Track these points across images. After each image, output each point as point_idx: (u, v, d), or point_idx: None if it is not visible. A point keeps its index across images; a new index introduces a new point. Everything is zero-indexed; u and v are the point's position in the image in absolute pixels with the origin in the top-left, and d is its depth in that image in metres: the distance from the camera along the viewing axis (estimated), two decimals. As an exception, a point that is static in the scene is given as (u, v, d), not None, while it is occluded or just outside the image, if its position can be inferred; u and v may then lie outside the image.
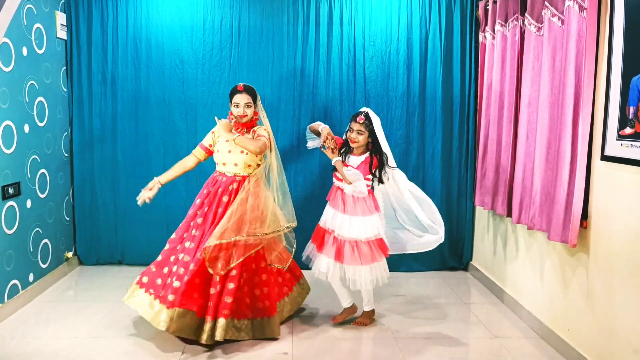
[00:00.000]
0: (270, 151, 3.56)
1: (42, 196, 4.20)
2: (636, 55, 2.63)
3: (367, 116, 3.50)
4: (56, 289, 4.29)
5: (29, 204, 3.98)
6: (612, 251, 2.84)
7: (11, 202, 3.75)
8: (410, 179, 4.77)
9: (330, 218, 3.61)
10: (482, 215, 4.74)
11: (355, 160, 3.56)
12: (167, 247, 3.60)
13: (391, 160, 3.58)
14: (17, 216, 3.83)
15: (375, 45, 4.75)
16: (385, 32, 4.73)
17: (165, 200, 4.82)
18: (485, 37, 4.42)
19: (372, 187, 3.66)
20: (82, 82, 4.70)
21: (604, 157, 2.88)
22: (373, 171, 3.55)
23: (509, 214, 3.96)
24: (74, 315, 3.78)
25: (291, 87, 4.77)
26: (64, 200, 4.63)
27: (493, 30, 4.21)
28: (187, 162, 3.72)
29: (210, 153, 3.69)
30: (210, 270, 3.28)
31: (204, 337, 3.23)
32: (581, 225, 3.06)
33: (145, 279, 3.50)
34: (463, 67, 4.78)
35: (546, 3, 3.34)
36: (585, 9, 2.94)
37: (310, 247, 3.71)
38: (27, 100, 3.97)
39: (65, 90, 4.66)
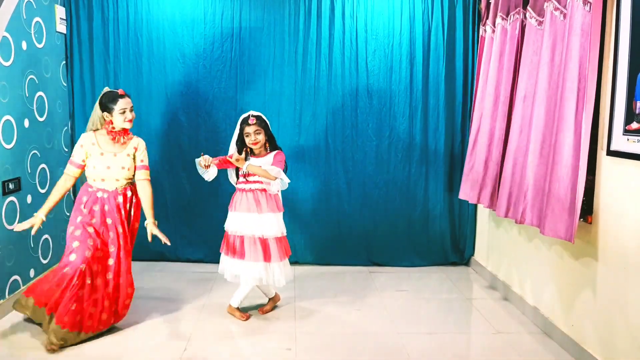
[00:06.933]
0: None
1: (43, 191, 4.18)
2: (643, 50, 2.61)
3: (257, 117, 3.59)
4: (57, 284, 4.27)
5: (29, 199, 3.96)
6: (618, 246, 2.83)
7: (12, 198, 3.73)
8: (414, 173, 4.82)
9: (243, 223, 3.60)
10: (484, 210, 4.72)
11: (264, 160, 3.60)
12: None
13: None
14: (17, 211, 3.81)
15: (378, 39, 4.71)
16: (387, 25, 4.70)
17: (168, 194, 4.80)
18: (485, 30, 4.37)
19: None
20: (83, 76, 4.67)
21: (610, 152, 2.86)
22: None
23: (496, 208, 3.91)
24: (75, 310, 3.77)
25: (292, 81, 4.74)
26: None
27: (494, 23, 4.16)
28: (67, 184, 3.46)
29: (82, 169, 3.47)
30: None
31: None
32: (586, 220, 3.05)
33: None
34: (466, 61, 4.75)
35: (549, -4, 3.30)
36: (589, 3, 2.90)
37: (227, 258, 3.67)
38: (27, 95, 3.94)
39: (65, 84, 4.63)
